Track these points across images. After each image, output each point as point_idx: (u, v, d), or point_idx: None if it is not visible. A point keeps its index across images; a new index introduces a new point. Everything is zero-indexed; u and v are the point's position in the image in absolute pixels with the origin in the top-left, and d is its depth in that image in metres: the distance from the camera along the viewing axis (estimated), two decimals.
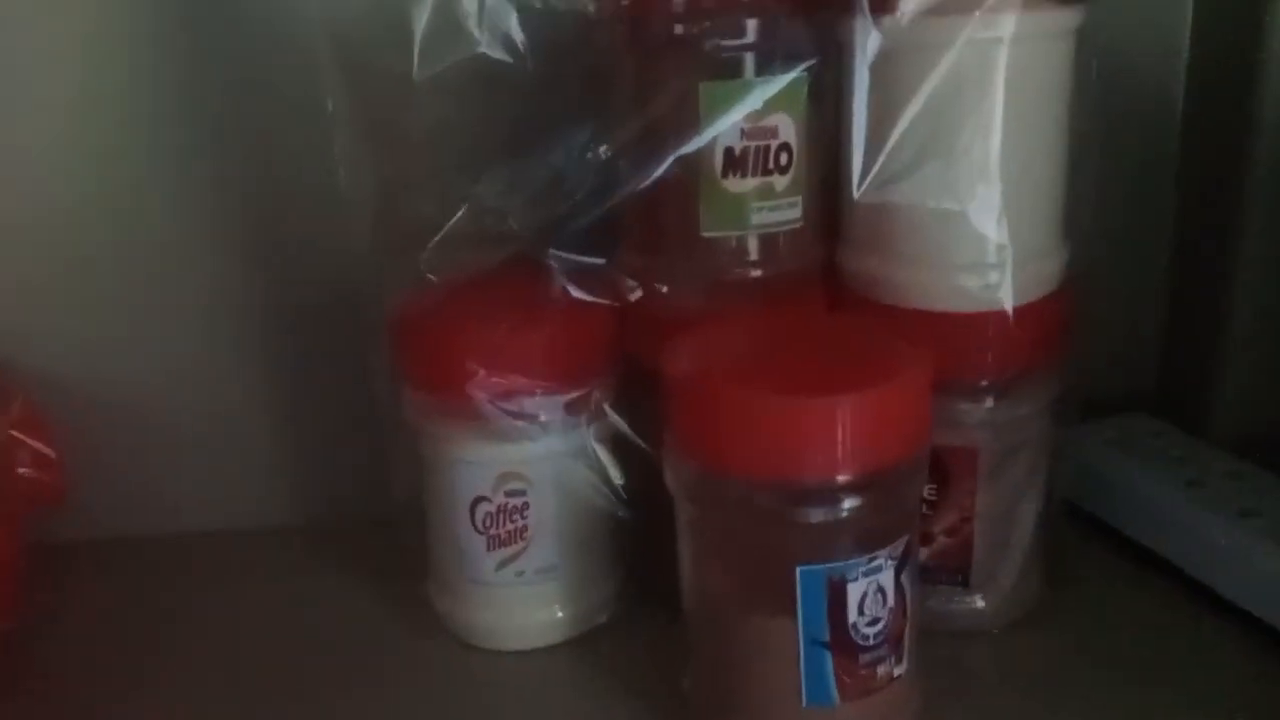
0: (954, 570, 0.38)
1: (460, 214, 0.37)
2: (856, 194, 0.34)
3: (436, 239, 0.37)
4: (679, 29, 0.35)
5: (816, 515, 0.31)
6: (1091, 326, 0.40)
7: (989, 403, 0.37)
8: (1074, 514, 0.45)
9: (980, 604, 0.39)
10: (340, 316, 0.42)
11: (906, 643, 0.33)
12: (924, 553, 0.38)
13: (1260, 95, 0.43)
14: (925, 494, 0.37)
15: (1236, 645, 0.38)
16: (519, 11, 0.36)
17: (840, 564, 0.31)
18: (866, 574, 0.31)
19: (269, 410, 0.48)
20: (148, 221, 0.45)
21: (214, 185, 0.45)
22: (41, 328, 0.45)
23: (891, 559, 0.32)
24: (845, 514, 0.31)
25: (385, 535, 0.43)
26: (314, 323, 0.46)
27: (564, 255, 0.37)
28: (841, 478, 0.31)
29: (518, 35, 0.36)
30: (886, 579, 0.32)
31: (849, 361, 0.32)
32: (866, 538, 0.32)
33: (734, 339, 0.34)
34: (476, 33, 0.36)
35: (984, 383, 0.37)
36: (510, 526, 0.38)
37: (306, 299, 0.46)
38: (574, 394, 0.38)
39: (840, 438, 0.30)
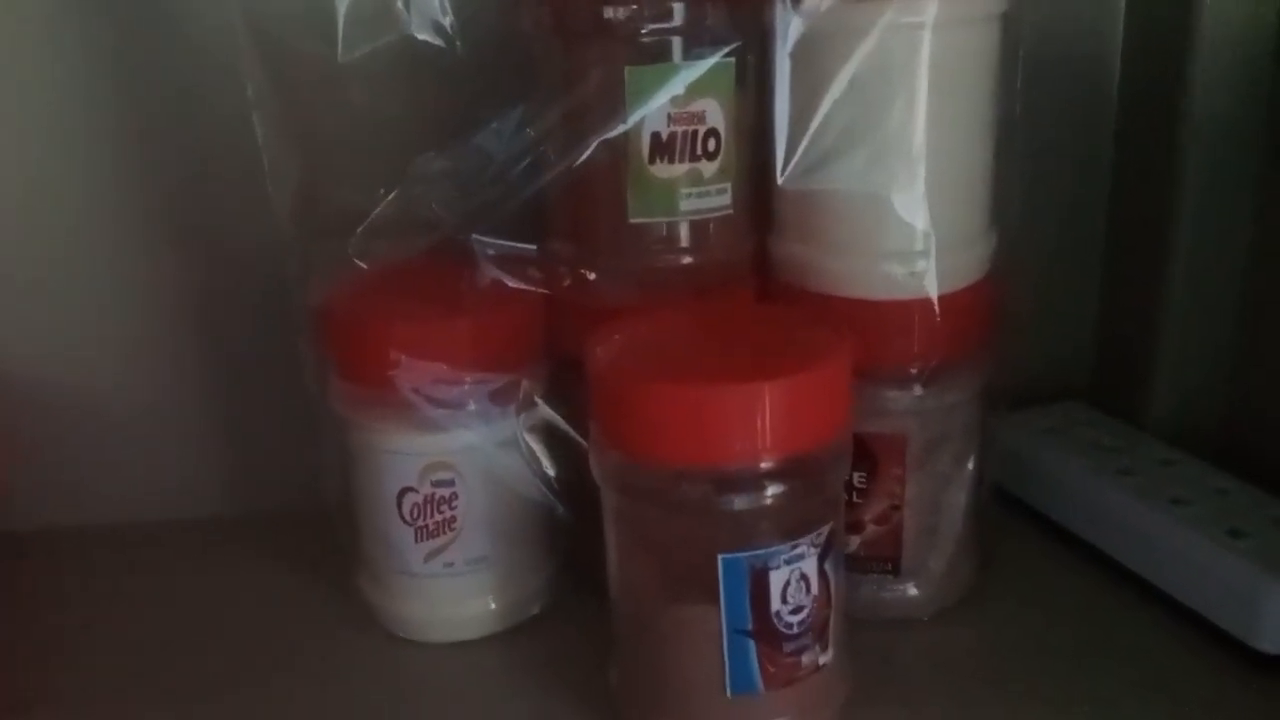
0: (884, 558, 0.38)
1: (388, 199, 0.37)
2: (780, 180, 0.34)
3: (364, 225, 0.37)
4: (605, 12, 0.35)
5: (739, 503, 0.31)
6: (1023, 315, 0.40)
7: (917, 390, 0.37)
8: (1007, 501, 0.45)
9: (912, 592, 0.39)
10: (272, 305, 0.41)
11: (832, 631, 0.33)
12: (854, 541, 0.38)
13: (1193, 83, 0.43)
14: (855, 482, 0.37)
15: (1166, 632, 0.38)
16: None
17: (762, 551, 0.31)
18: (789, 562, 0.31)
19: (202, 400, 0.47)
20: (75, 212, 0.44)
21: (140, 174, 0.44)
22: None
23: (814, 546, 0.32)
24: (768, 501, 0.31)
25: (319, 525, 0.42)
26: (246, 311, 0.45)
27: (491, 241, 0.37)
28: (763, 465, 0.30)
29: (446, 17, 0.36)
30: (809, 566, 0.32)
31: (770, 349, 0.32)
32: (789, 525, 0.31)
33: (657, 329, 0.34)
34: (405, 14, 0.36)
35: (912, 370, 0.36)
36: (438, 517, 0.38)
37: (237, 287, 0.45)
38: (501, 382, 0.37)
39: (760, 424, 0.30)
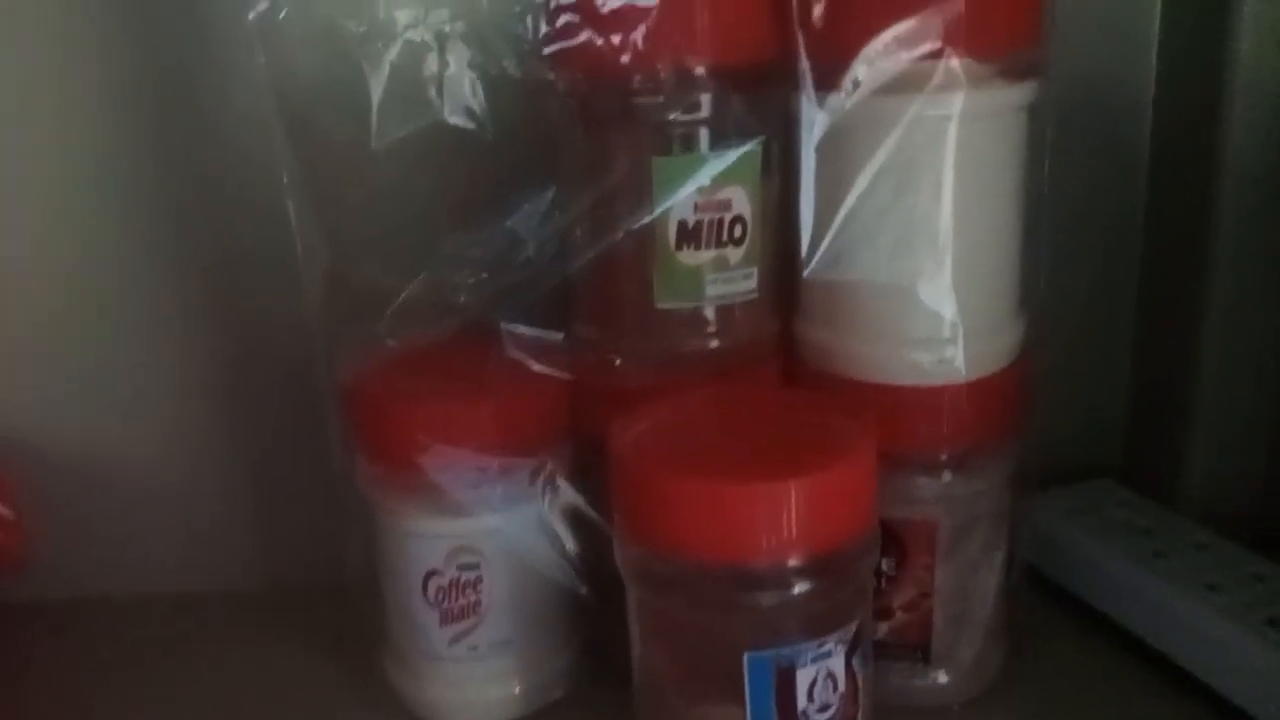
0: (913, 646, 0.38)
1: (416, 282, 0.37)
2: (806, 271, 0.34)
3: (393, 308, 0.37)
4: (632, 101, 0.35)
5: (766, 600, 0.30)
6: (1052, 398, 0.39)
7: (946, 476, 0.36)
8: (1038, 582, 0.44)
9: (941, 680, 0.38)
10: (301, 384, 0.41)
11: None
12: (883, 629, 0.37)
13: (1224, 167, 0.43)
14: (883, 569, 0.37)
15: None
16: (479, 80, 0.36)
17: (789, 650, 0.31)
18: (816, 660, 0.31)
19: (228, 474, 0.47)
20: (109, 286, 0.45)
21: (175, 256, 0.45)
22: (1, 390, 0.45)
23: (842, 643, 0.31)
24: (795, 598, 0.30)
25: (344, 603, 0.42)
26: (276, 390, 0.45)
27: (517, 327, 0.37)
28: (790, 562, 0.30)
29: (477, 104, 0.36)
30: (837, 664, 0.31)
31: (796, 439, 0.32)
32: (816, 622, 0.31)
33: (680, 417, 0.33)
34: (436, 100, 0.36)
35: (941, 456, 0.36)
36: (463, 601, 0.38)
37: (267, 365, 0.45)
38: (526, 467, 0.37)
39: (786, 522, 0.29)
